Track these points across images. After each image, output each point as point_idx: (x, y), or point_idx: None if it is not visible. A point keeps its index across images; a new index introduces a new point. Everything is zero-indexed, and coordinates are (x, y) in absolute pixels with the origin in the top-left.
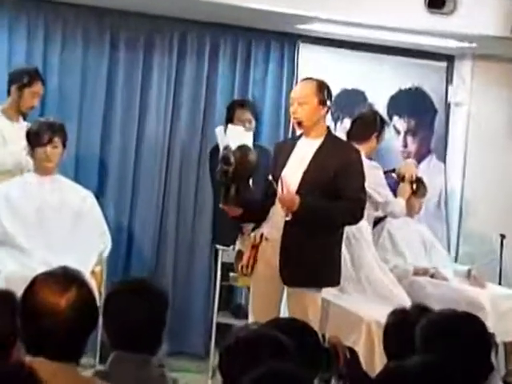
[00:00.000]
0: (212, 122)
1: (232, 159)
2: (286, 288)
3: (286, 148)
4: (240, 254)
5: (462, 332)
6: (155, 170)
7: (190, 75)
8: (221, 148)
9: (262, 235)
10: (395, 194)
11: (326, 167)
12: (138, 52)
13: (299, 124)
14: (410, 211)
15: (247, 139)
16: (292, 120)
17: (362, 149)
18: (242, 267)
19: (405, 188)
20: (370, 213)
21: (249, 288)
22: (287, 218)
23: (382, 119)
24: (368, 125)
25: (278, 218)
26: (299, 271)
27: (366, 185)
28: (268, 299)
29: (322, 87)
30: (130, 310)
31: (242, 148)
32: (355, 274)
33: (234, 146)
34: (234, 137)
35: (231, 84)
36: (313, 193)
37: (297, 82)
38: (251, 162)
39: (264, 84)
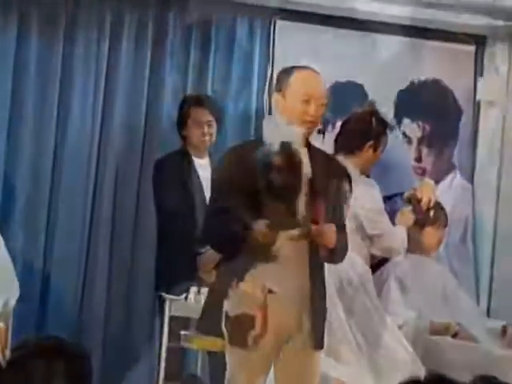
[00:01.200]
0: (157, 126)
1: (282, 164)
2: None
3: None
4: (245, 318)
5: None
6: (79, 189)
7: (126, 64)
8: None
9: (265, 289)
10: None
11: (325, 192)
12: (57, 35)
13: (319, 132)
14: (426, 248)
15: (295, 138)
16: (305, 125)
17: (354, 163)
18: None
19: (406, 214)
20: (361, 248)
21: (208, 352)
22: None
23: (380, 121)
24: (360, 130)
25: (286, 257)
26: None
27: (359, 210)
28: (262, 371)
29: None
30: (41, 379)
31: (293, 152)
32: (350, 331)
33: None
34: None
35: (183, 75)
36: None
37: (272, 72)
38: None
39: (228, 75)
